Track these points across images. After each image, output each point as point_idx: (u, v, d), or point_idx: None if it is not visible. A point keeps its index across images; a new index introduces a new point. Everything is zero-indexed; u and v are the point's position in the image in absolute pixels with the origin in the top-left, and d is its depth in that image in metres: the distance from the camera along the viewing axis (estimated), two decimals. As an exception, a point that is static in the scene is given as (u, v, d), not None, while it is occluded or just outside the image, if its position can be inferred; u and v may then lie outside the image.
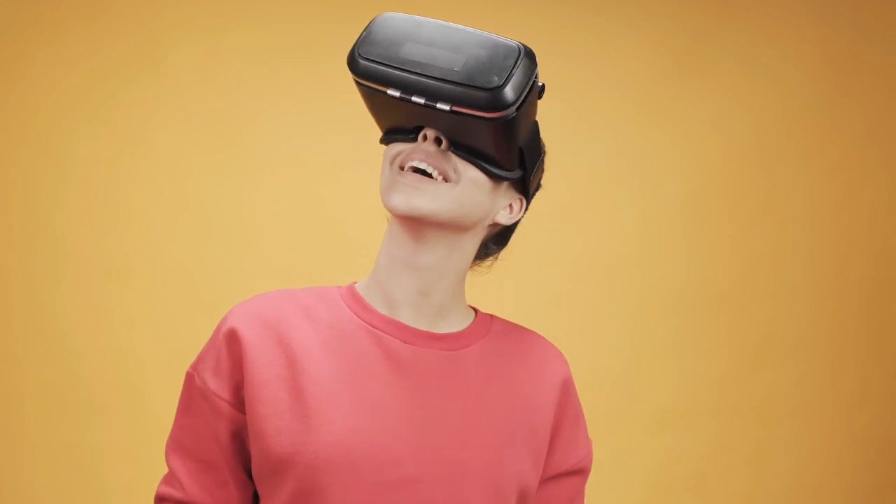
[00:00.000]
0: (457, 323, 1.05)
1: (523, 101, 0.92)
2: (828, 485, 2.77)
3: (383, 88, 0.94)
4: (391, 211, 0.97)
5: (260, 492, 0.99)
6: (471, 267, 1.08)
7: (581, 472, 1.11)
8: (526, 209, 1.06)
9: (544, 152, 1.07)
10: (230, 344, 0.98)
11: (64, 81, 2.42)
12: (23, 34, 2.41)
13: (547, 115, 2.67)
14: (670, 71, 2.69)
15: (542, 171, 1.08)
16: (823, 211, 2.78)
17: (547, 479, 1.08)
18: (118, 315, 2.42)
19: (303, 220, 2.51)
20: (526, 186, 1.04)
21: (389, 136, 1.00)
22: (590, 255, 2.65)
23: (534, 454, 1.03)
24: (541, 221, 2.79)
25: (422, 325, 1.02)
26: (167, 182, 2.46)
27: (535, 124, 1.01)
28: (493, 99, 0.90)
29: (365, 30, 0.96)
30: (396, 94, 0.92)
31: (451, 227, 0.99)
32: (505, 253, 1.12)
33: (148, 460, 2.38)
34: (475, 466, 0.97)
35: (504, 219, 1.04)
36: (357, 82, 0.97)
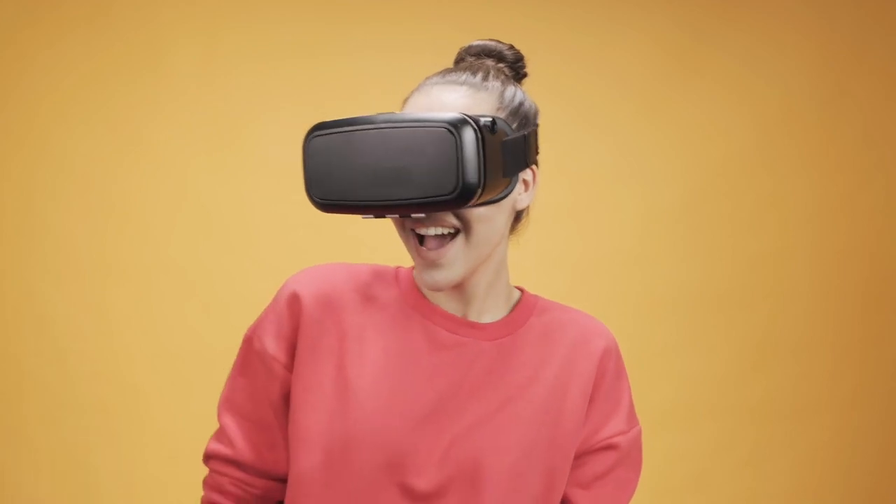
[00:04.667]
0: (498, 310, 1.04)
1: (485, 170, 0.86)
2: (827, 485, 2.77)
3: (353, 214, 0.91)
4: (427, 287, 0.96)
5: (291, 452, 1.00)
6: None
7: (612, 449, 1.05)
8: (538, 167, 1.00)
9: (524, 113, 0.99)
10: (291, 307, 1.00)
11: (64, 81, 2.42)
12: (23, 34, 2.40)
13: (547, 114, 2.68)
14: (670, 71, 2.69)
15: (532, 126, 1.00)
16: (823, 211, 2.78)
17: (579, 456, 1.04)
18: (117, 314, 2.42)
19: (302, 220, 2.51)
20: (523, 163, 0.97)
21: None
22: (590, 255, 2.65)
23: (565, 445, 1.01)
24: (541, 221, 2.81)
25: (467, 314, 1.02)
26: (166, 181, 2.46)
27: (496, 120, 0.92)
28: (460, 196, 0.86)
29: (303, 163, 0.92)
30: (371, 216, 0.90)
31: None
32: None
33: (145, 459, 2.38)
34: (494, 471, 0.96)
35: (525, 201, 1.01)
36: None
